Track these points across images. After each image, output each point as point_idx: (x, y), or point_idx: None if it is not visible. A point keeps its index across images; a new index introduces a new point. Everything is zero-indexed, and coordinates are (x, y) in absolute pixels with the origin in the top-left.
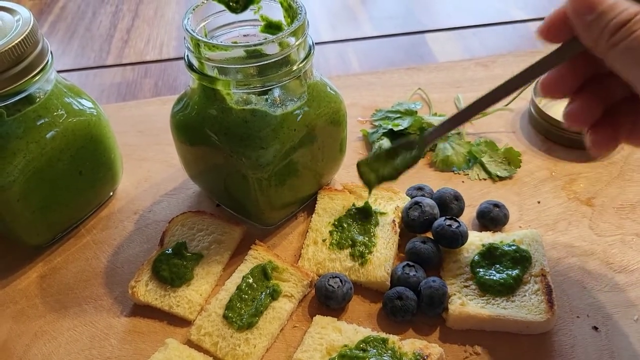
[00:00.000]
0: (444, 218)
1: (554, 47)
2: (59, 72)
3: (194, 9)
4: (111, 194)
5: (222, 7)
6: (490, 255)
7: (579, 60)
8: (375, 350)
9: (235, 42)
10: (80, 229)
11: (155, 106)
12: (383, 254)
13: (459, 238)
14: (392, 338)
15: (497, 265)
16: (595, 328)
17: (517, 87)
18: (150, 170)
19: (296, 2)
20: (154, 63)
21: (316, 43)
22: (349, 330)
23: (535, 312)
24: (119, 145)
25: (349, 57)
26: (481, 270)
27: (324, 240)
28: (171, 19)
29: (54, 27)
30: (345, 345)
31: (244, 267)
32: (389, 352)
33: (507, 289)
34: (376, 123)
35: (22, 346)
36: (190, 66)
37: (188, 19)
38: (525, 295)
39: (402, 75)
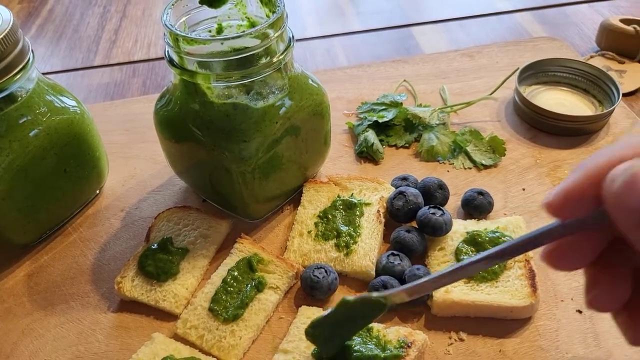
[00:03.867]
0: (428, 207)
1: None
2: (47, 74)
3: (173, 4)
4: (97, 192)
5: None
6: (475, 242)
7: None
8: (359, 339)
9: (214, 36)
10: (67, 227)
11: (141, 104)
12: (368, 244)
13: (443, 226)
14: (377, 326)
15: (481, 252)
16: (579, 311)
17: (511, 257)
18: (137, 168)
19: None
20: (142, 62)
21: (303, 39)
22: None
23: (519, 296)
24: (104, 144)
25: (335, 52)
26: (465, 257)
27: (309, 232)
28: (159, 19)
29: (42, 30)
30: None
31: (230, 261)
32: (374, 340)
33: (490, 275)
34: (361, 115)
35: (9, 344)
36: (170, 61)
37: (167, 14)
38: (508, 281)
39: (387, 68)
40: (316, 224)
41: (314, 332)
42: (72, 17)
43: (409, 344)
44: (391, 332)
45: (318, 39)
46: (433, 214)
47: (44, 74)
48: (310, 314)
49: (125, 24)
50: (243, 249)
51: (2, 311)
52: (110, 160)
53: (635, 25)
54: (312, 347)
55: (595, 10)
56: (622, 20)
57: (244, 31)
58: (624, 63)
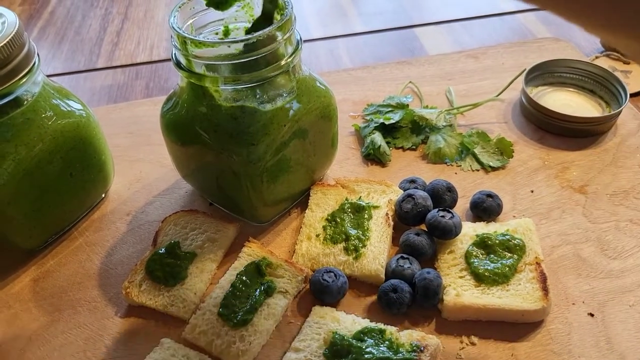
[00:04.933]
0: (437, 209)
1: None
2: (49, 76)
3: (180, 7)
4: (103, 195)
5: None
6: (484, 245)
7: None
8: (372, 341)
9: (222, 38)
10: (72, 232)
11: (145, 107)
12: (377, 247)
13: (453, 229)
14: (390, 329)
15: (492, 255)
16: (591, 315)
17: None
18: (142, 171)
19: None
20: (145, 65)
21: (307, 40)
22: (347, 321)
23: (530, 300)
24: (110, 147)
25: (339, 53)
26: (475, 260)
27: (317, 236)
28: (161, 21)
29: (43, 32)
30: (334, 332)
31: (238, 265)
32: (386, 342)
33: (501, 278)
34: (368, 117)
35: (16, 350)
36: (177, 64)
37: (174, 16)
38: (520, 284)
39: (392, 70)
40: (324, 227)
41: None
42: (73, 19)
43: (422, 348)
44: (404, 335)
45: (321, 40)
46: (442, 216)
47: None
48: (323, 313)
49: (127, 26)
50: (251, 252)
51: (9, 317)
52: (116, 164)
53: None
54: (324, 346)
55: None
56: None
57: (252, 34)
58: (629, 63)
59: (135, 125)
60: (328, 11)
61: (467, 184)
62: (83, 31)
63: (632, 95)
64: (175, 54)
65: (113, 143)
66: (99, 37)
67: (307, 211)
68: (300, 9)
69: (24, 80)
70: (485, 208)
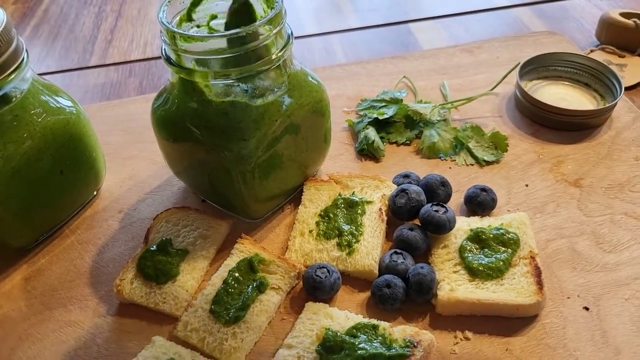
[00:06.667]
0: (430, 204)
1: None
2: (42, 74)
3: (169, 1)
4: (95, 193)
5: None
6: (479, 239)
7: None
8: (365, 337)
9: (211, 32)
10: (64, 230)
11: (138, 104)
12: (370, 243)
13: (447, 224)
14: (383, 324)
15: (486, 250)
16: (586, 308)
17: None
18: (135, 169)
19: None
20: (138, 62)
21: (301, 36)
22: (340, 317)
23: (525, 294)
24: (101, 144)
25: (334, 49)
26: (470, 255)
27: (310, 231)
28: (155, 18)
29: (37, 30)
30: (327, 328)
31: (230, 261)
32: (379, 338)
33: (496, 273)
34: (361, 112)
35: (7, 350)
36: (167, 59)
37: (163, 11)
38: (514, 278)
39: (387, 65)
40: (317, 223)
41: None
42: (67, 17)
43: (415, 344)
44: (397, 331)
45: (316, 36)
46: (436, 211)
47: (39, 74)
48: (316, 309)
49: (121, 24)
50: (244, 249)
51: None
52: (108, 161)
53: (636, 19)
54: (317, 342)
55: (594, 4)
56: (622, 14)
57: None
58: (624, 57)
59: (128, 122)
60: (323, 7)
61: (461, 178)
62: (76, 29)
63: (627, 88)
64: (164, 49)
65: (105, 140)
66: (92, 35)
67: (300, 207)
68: (295, 5)
69: (12, 77)
70: (480, 202)
